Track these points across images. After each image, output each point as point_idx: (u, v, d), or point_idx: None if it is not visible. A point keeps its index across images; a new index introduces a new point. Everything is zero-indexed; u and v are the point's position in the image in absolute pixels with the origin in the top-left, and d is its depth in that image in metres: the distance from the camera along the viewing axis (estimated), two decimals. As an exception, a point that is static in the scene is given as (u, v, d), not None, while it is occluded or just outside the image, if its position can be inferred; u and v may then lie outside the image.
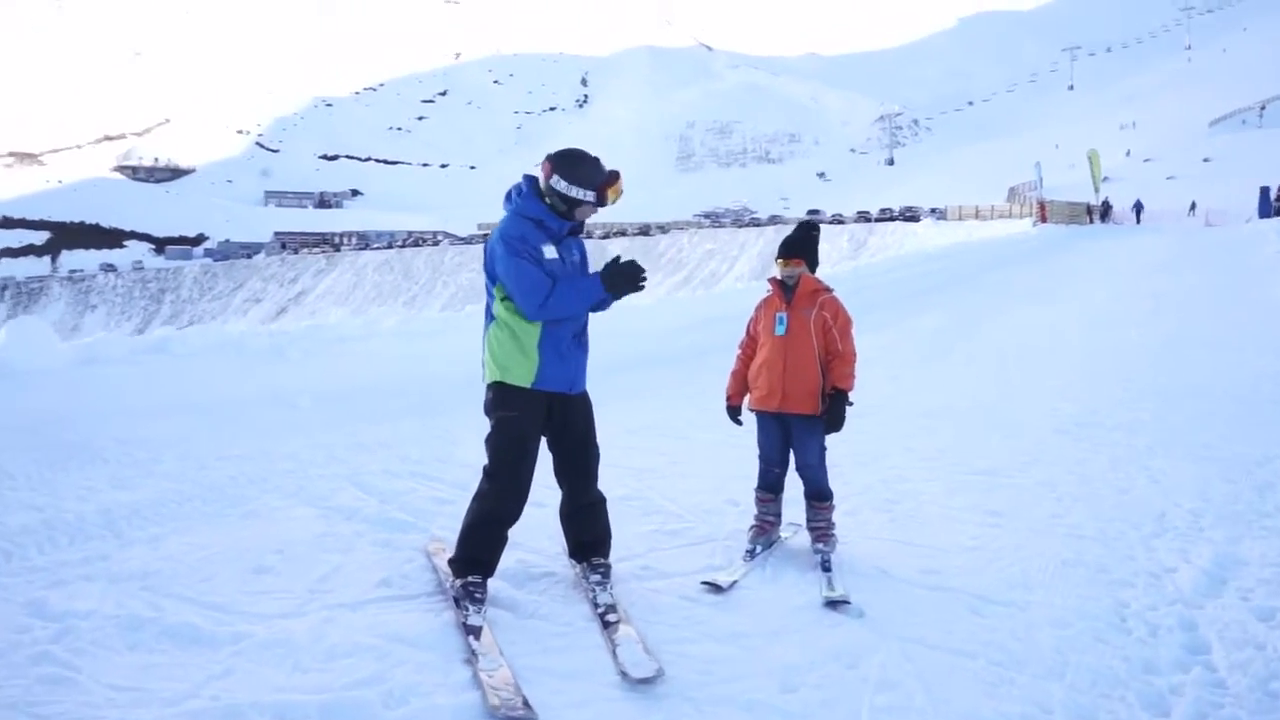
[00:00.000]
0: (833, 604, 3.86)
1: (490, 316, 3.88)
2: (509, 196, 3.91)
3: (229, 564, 4.06)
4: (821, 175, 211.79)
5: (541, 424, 3.87)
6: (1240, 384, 9.21)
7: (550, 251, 3.79)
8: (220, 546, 4.26)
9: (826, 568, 4.25)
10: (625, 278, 3.75)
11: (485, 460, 3.83)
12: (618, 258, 3.83)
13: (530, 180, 3.89)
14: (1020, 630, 3.70)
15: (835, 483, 4.60)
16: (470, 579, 3.70)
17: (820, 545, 4.43)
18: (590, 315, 3.98)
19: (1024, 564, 4.43)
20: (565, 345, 3.83)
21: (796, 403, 4.39)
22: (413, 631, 3.48)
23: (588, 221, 4.04)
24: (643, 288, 3.80)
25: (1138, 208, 50.77)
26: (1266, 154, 70.53)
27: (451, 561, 3.82)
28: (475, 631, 3.44)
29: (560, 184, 3.75)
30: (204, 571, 3.96)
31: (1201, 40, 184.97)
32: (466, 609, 3.57)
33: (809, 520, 4.52)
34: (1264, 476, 6.09)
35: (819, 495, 4.49)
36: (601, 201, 3.79)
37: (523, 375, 3.77)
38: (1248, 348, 11.35)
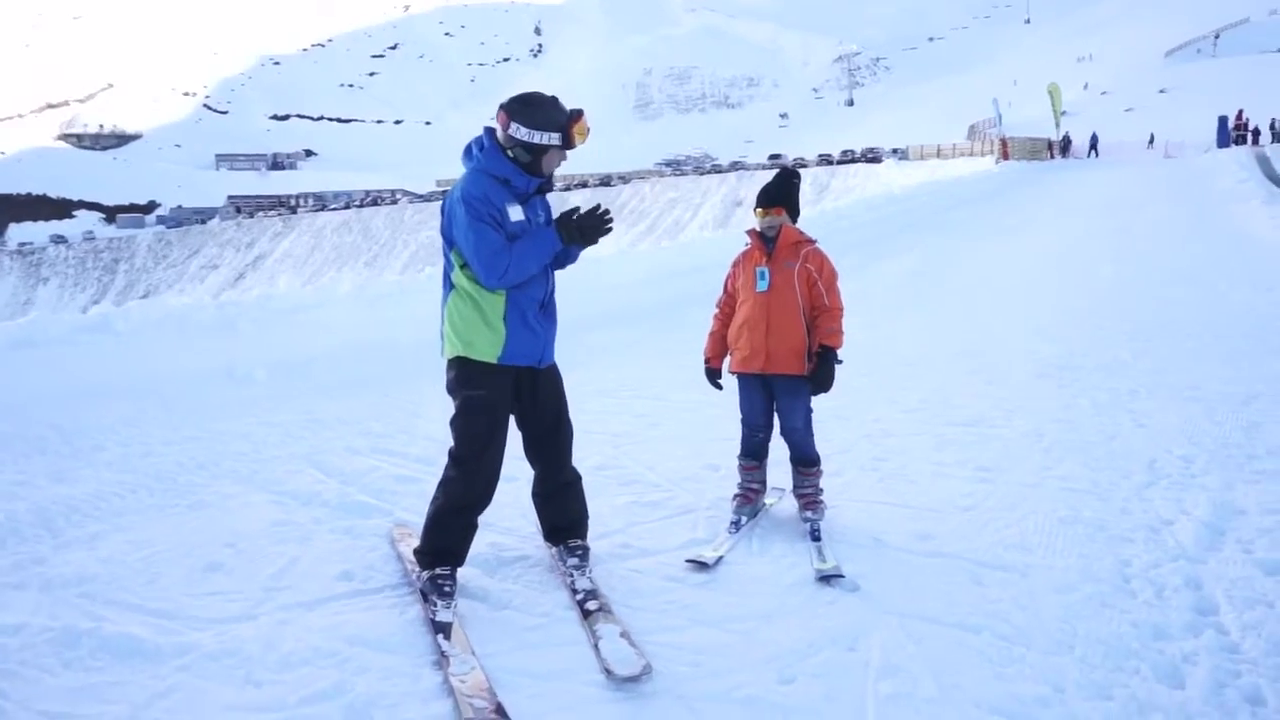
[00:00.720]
0: (825, 578, 3.63)
1: (449, 284, 3.54)
2: (468, 152, 3.55)
3: (176, 563, 3.74)
4: (783, 117, 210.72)
5: (510, 401, 3.57)
6: (1216, 318, 9.12)
7: (516, 213, 3.44)
8: (166, 543, 3.94)
9: (816, 537, 4.02)
10: (583, 229, 3.45)
11: (451, 443, 3.54)
12: (576, 209, 3.51)
13: (491, 133, 3.52)
14: (1024, 598, 3.50)
15: (817, 440, 4.36)
16: (438, 571, 3.42)
17: (809, 513, 4.20)
18: (556, 281, 3.67)
19: (1020, 524, 4.24)
20: (533, 315, 3.51)
21: (781, 363, 4.12)
22: (376, 632, 3.21)
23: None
24: (608, 230, 3.49)
25: (1093, 141, 50.85)
26: (1222, 83, 71.01)
27: (418, 552, 3.53)
28: (444, 629, 3.17)
29: (521, 131, 3.39)
30: (148, 573, 3.65)
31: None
32: (434, 604, 3.30)
33: (796, 487, 4.29)
34: (1250, 416, 5.97)
35: (806, 460, 4.24)
36: (568, 143, 3.43)
37: (488, 350, 3.45)
38: (1218, 281, 11.29)
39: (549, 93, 3.53)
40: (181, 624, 3.24)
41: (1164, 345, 8.06)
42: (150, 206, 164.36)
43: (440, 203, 3.54)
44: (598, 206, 3.52)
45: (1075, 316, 9.56)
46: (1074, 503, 4.50)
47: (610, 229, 3.50)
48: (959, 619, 3.33)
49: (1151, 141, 50.78)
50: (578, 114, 3.47)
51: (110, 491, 4.53)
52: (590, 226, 3.46)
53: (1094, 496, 4.60)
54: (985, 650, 3.13)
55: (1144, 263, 13.18)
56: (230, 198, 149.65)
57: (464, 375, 3.49)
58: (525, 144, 3.41)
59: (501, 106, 3.46)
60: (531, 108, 3.42)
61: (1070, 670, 3.01)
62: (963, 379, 7.13)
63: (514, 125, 3.40)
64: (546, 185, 3.57)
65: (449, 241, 3.49)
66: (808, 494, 4.24)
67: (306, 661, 3.00)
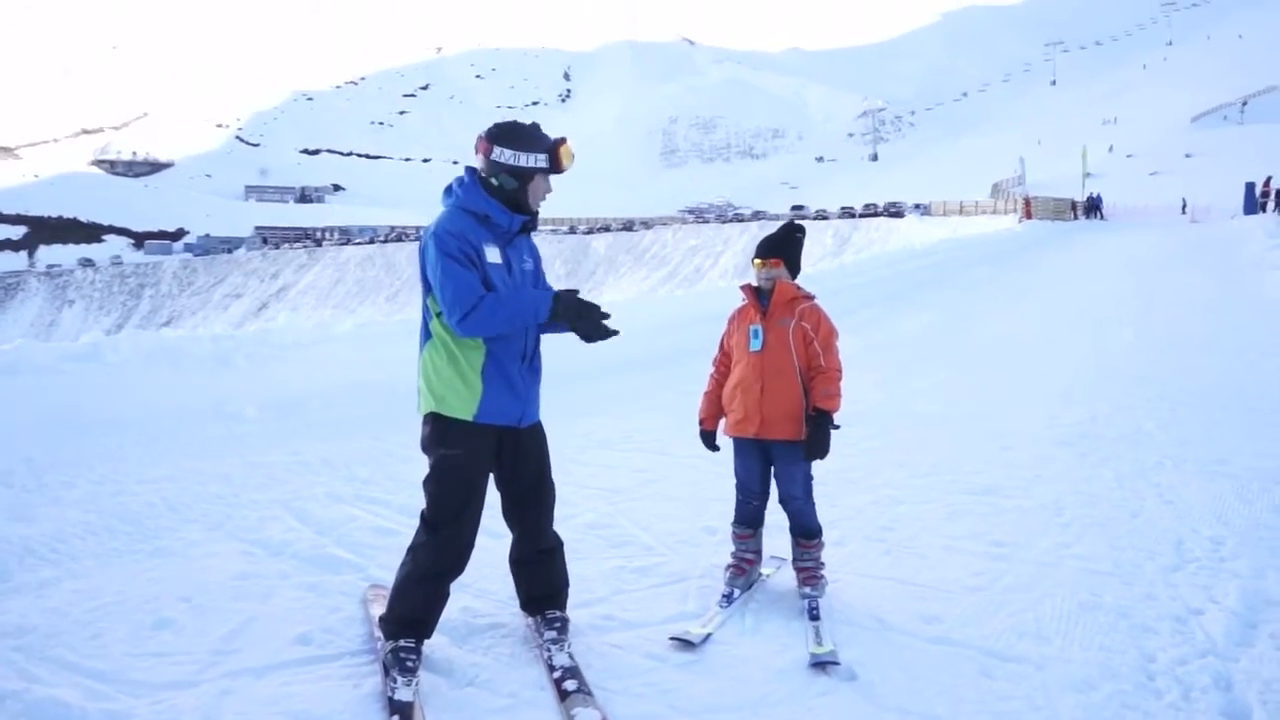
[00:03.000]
0: (820, 664, 3.34)
1: (426, 334, 3.31)
2: (449, 190, 3.33)
3: (124, 617, 3.49)
4: (820, 159, 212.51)
5: (489, 462, 3.31)
6: (1245, 389, 8.78)
7: (494, 254, 3.20)
8: (118, 594, 3.69)
9: (814, 616, 3.72)
10: (582, 316, 3.15)
11: (423, 505, 3.27)
12: (577, 295, 3.21)
13: (473, 172, 3.31)
14: (1038, 697, 3.19)
15: (821, 505, 4.08)
16: (402, 643, 3.12)
17: (808, 589, 3.90)
18: (540, 335, 3.43)
19: (1036, 608, 3.93)
20: (514, 371, 3.25)
21: (777, 428, 3.85)
22: (325, 707, 2.93)
23: (544, 214, 3.47)
24: (605, 334, 3.17)
25: (1096, 202, 50.11)
26: (1249, 149, 70.89)
27: (383, 620, 3.25)
28: (401, 710, 2.89)
29: (506, 155, 3.18)
30: (92, 627, 3.40)
31: (1183, 36, 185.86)
32: (394, 680, 3.01)
33: (795, 559, 4.00)
34: (1282, 495, 5.63)
35: (806, 532, 3.96)
36: (556, 166, 3.22)
37: (463, 407, 3.19)
38: (1248, 350, 10.94)
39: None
40: (117, 688, 2.98)
41: (1190, 415, 7.73)
42: (178, 234, 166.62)
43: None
44: (597, 309, 3.19)
45: (1097, 382, 9.24)
46: (1095, 586, 4.19)
47: (609, 335, 3.19)
48: (965, 719, 3.03)
49: (1185, 208, 49.45)
50: (562, 139, 3.27)
51: (71, 533, 4.30)
52: (590, 320, 3.15)
53: (1116, 579, 4.28)
54: (994, 758, 2.82)
55: (1169, 328, 12.86)
56: (258, 228, 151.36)
57: (439, 433, 3.23)
58: (511, 169, 3.20)
59: (481, 135, 3.25)
60: (514, 132, 3.23)
61: (1088, 786, 2.71)
62: (978, 443, 6.83)
63: (497, 150, 3.19)
64: (530, 224, 3.34)
65: (427, 287, 3.26)
66: (808, 568, 3.95)
67: (245, 740, 2.73)
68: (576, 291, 3.23)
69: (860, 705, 3.10)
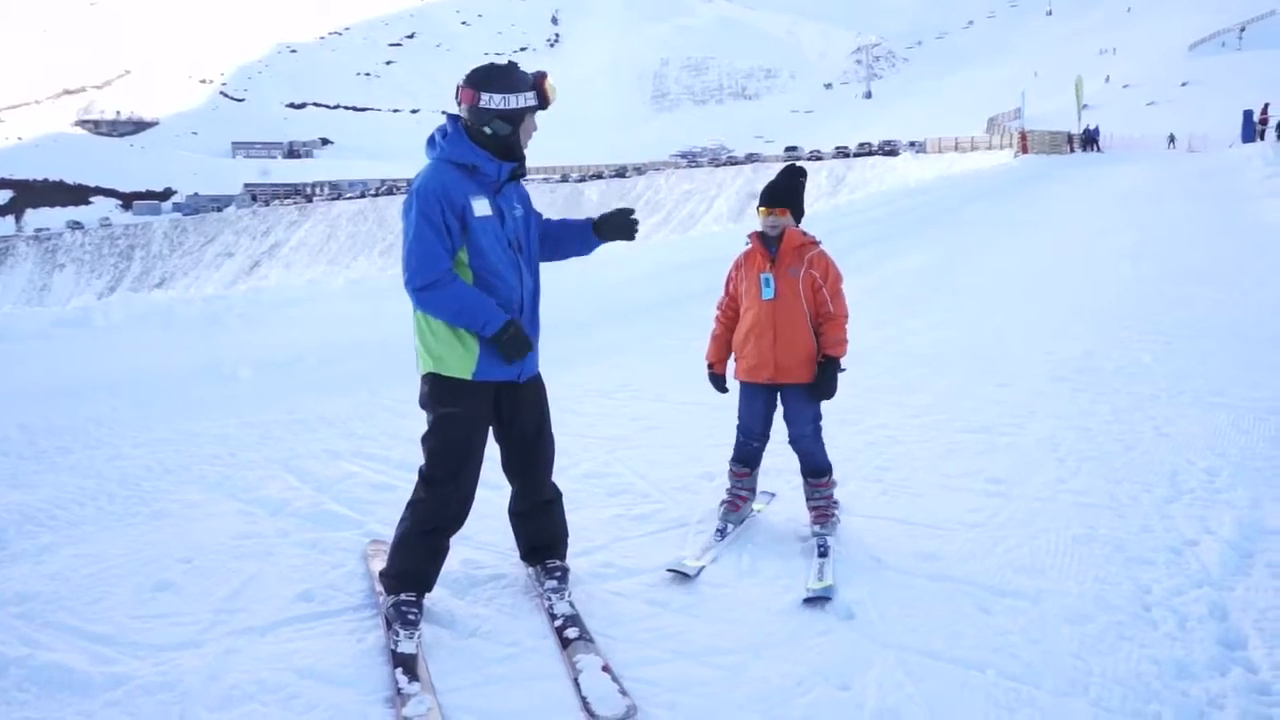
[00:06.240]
0: (812, 599, 3.38)
1: (420, 293, 3.28)
2: (431, 142, 3.27)
3: (125, 580, 3.51)
4: (828, 86, 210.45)
5: (488, 418, 3.30)
6: (1241, 320, 8.76)
7: (483, 206, 3.15)
8: (119, 557, 3.71)
9: (823, 553, 3.76)
10: (519, 349, 3.17)
11: (422, 461, 3.26)
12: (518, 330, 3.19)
13: (456, 121, 3.24)
14: (1034, 630, 3.22)
15: (818, 447, 4.08)
16: (403, 597, 3.14)
17: (818, 527, 3.95)
18: (539, 284, 3.41)
19: (1032, 543, 3.95)
20: None
21: (790, 373, 3.91)
22: (329, 661, 2.96)
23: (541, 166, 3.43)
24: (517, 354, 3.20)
25: (1092, 136, 49.77)
26: (1247, 76, 70.12)
27: (383, 575, 3.26)
28: (405, 662, 2.92)
29: (495, 100, 3.12)
30: (94, 591, 3.42)
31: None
32: (397, 633, 3.03)
33: (807, 498, 4.05)
34: (1278, 425, 5.64)
35: (816, 470, 4.00)
36: (544, 101, 3.19)
37: (461, 366, 3.16)
38: (1244, 280, 10.90)
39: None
40: (120, 651, 3.00)
41: (1187, 347, 7.72)
42: (166, 194, 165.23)
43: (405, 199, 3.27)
44: (524, 339, 3.19)
45: (1093, 316, 9.22)
46: (1090, 519, 4.21)
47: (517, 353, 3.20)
48: (963, 654, 3.06)
49: (1172, 141, 49.24)
50: (542, 74, 3.24)
51: (69, 498, 4.30)
52: (514, 344, 3.16)
53: (1111, 512, 4.31)
54: (991, 691, 2.86)
55: (1166, 260, 12.80)
56: (246, 185, 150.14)
57: (437, 392, 3.21)
58: (502, 112, 3.14)
59: (462, 84, 3.18)
60: (497, 75, 3.17)
61: (1083, 715, 2.74)
62: (974, 381, 6.83)
63: (485, 95, 3.13)
64: (519, 170, 3.29)
65: None
66: (820, 506, 4.00)
67: (250, 697, 2.76)
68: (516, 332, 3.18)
69: (859, 643, 3.13)
